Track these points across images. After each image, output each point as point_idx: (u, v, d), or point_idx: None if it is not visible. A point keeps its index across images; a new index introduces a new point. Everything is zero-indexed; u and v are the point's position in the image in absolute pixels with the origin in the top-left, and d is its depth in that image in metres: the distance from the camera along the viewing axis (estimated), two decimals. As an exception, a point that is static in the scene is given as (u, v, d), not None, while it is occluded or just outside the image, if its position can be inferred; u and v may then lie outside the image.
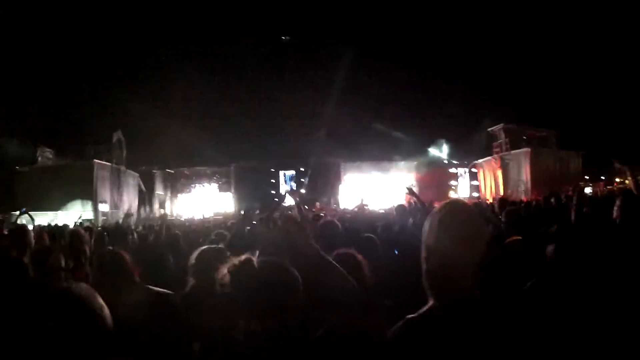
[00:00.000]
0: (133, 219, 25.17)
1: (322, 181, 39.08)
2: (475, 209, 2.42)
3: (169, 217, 30.48)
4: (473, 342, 2.06)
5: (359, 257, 3.88)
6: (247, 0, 36.57)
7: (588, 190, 19.03)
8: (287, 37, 37.98)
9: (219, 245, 5.22)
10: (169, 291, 3.47)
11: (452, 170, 43.79)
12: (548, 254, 3.98)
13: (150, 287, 3.42)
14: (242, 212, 9.31)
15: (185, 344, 3.29)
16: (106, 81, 30.97)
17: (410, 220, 8.37)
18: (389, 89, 37.28)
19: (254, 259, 2.74)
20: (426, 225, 2.25)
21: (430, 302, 2.22)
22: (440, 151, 42.88)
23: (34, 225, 10.88)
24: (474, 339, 2.06)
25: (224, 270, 2.75)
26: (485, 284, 2.20)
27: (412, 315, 2.25)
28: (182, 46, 34.95)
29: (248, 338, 2.58)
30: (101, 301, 2.02)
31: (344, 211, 17.56)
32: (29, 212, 13.20)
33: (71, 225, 14.72)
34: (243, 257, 2.76)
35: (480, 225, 2.28)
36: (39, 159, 27.84)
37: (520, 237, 5.27)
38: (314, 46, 36.55)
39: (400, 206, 10.88)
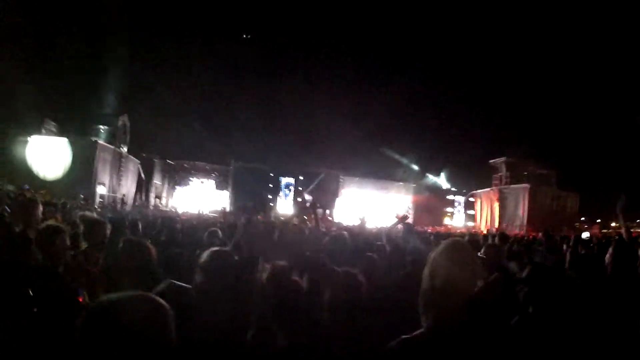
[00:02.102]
0: (128, 207, 25.23)
1: (320, 193, 39.15)
2: (471, 248, 2.64)
3: (164, 209, 30.58)
4: None
5: (361, 278, 3.97)
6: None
7: (585, 235, 19.10)
8: (248, 36, 37.81)
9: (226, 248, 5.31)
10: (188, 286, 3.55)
11: (450, 197, 43.98)
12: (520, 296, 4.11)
13: (174, 281, 3.49)
14: (243, 218, 9.29)
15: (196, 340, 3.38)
16: (118, 64, 30.94)
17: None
18: (397, 112, 37.36)
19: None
20: (431, 257, 2.49)
21: (424, 326, 2.43)
22: (440, 177, 43.06)
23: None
24: None
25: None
26: (473, 315, 2.38)
27: (407, 335, 2.45)
28: (197, 44, 34.97)
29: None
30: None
31: (339, 225, 17.58)
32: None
33: (69, 204, 14.65)
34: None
35: (476, 263, 2.52)
36: (43, 131, 27.74)
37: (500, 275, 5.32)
38: (326, 62, 36.64)
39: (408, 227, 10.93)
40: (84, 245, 5.29)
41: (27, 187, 14.98)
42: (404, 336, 2.45)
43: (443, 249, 2.48)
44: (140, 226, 8.52)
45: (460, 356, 2.29)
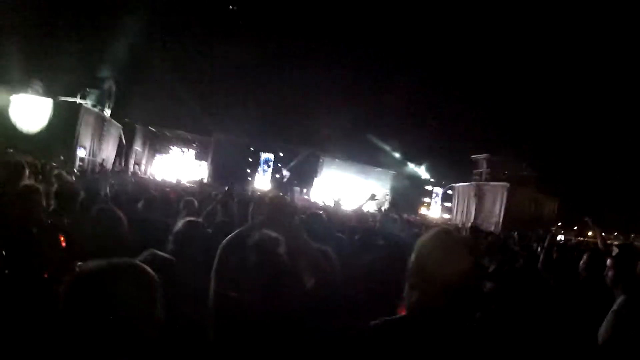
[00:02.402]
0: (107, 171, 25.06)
1: (299, 171, 39.18)
2: (460, 238, 2.67)
3: (143, 176, 30.48)
4: (436, 352, 2.35)
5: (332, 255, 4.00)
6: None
7: (561, 237, 19.31)
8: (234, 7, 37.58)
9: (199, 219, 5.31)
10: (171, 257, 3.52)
11: (428, 187, 44.19)
12: (486, 289, 4.16)
13: (157, 251, 3.46)
14: (227, 189, 9.29)
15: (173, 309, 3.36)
16: (107, 28, 30.67)
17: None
18: (382, 99, 37.35)
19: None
20: (419, 243, 2.56)
21: (407, 309, 2.51)
22: (420, 167, 43.21)
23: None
24: (437, 349, 2.35)
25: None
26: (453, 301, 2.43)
27: (388, 318, 2.54)
28: (186, 13, 34.74)
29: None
30: None
31: (315, 205, 17.64)
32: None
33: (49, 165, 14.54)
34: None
35: (465, 252, 2.56)
36: (29, 90, 27.52)
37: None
38: (314, 44, 36.49)
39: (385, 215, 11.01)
40: (53, 203, 5.26)
41: (11, 150, 14.82)
42: (386, 318, 2.53)
43: (432, 236, 2.55)
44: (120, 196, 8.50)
45: (438, 341, 2.35)
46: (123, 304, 1.69)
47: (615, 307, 4.12)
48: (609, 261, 4.47)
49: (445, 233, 2.59)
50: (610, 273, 4.36)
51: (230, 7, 37.03)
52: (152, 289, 1.84)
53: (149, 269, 1.89)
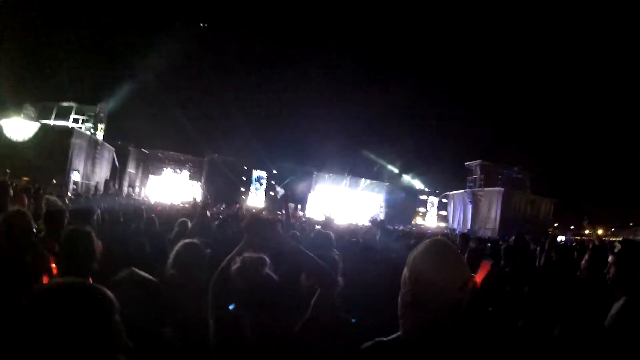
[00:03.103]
0: (100, 195, 25.01)
1: (293, 187, 39.15)
2: (455, 248, 2.51)
3: (137, 198, 30.41)
4: None
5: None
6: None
7: (561, 238, 19.31)
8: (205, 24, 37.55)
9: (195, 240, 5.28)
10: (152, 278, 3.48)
11: (423, 197, 44.19)
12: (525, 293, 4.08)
13: (137, 270, 3.42)
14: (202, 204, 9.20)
15: (158, 328, 3.32)
16: (97, 51, 30.77)
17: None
18: (373, 112, 37.47)
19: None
20: (411, 258, 2.32)
21: (401, 330, 2.30)
22: (414, 177, 43.25)
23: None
24: None
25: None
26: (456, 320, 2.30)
27: (383, 338, 2.34)
28: (176, 33, 34.81)
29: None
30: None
31: (310, 221, 17.63)
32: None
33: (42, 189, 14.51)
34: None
35: (461, 263, 2.35)
36: (22, 115, 27.49)
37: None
38: (306, 60, 36.63)
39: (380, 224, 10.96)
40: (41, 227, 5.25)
41: (7, 171, 14.89)
42: (378, 338, 2.35)
43: (425, 249, 2.31)
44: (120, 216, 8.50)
45: None
46: (70, 322, 1.73)
47: (614, 310, 3.95)
48: (610, 258, 4.26)
49: (439, 243, 2.38)
50: (612, 270, 4.13)
51: (224, 24, 36.99)
52: (103, 310, 1.84)
53: (102, 290, 1.90)
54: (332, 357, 2.94)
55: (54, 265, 4.27)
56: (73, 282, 1.88)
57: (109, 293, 1.90)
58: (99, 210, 9.26)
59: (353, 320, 3.96)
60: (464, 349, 2.25)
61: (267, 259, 3.09)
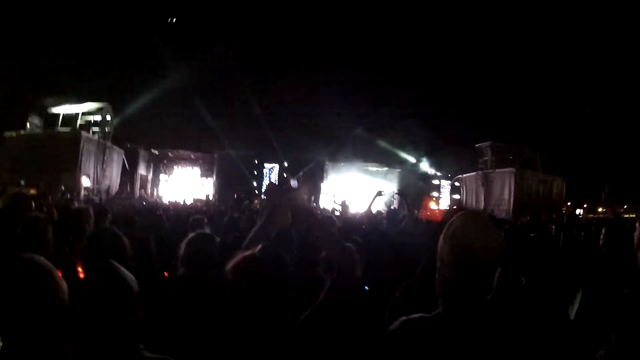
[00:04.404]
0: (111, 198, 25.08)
1: (305, 179, 39.08)
2: (489, 219, 2.48)
3: (149, 199, 30.49)
4: (472, 352, 2.11)
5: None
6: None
7: (579, 211, 19.22)
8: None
9: (207, 232, 5.23)
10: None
11: (435, 181, 44.07)
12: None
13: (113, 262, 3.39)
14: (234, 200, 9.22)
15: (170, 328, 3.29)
16: (102, 54, 30.78)
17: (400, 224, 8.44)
18: (381, 97, 37.42)
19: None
20: (449, 233, 2.29)
21: (440, 309, 2.27)
22: (425, 162, 43.10)
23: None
24: (474, 349, 2.11)
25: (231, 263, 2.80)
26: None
27: (426, 314, 2.29)
28: (182, 33, 34.82)
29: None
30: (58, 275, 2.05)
31: (325, 212, 17.58)
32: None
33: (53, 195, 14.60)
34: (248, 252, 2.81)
35: (497, 233, 2.32)
36: (28, 125, 27.59)
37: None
38: (312, 47, 36.50)
39: (393, 211, 10.92)
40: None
41: (22, 183, 15.06)
42: (415, 315, 2.28)
43: (463, 220, 2.30)
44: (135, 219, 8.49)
45: (478, 341, 2.12)
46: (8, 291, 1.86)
47: None
48: (638, 224, 4.20)
49: (474, 212, 2.53)
50: (637, 233, 4.01)
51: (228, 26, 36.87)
52: (43, 281, 1.94)
53: (46, 264, 2.00)
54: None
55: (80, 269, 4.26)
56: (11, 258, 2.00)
57: (48, 265, 2.01)
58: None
59: (366, 288, 3.96)
60: (503, 322, 2.24)
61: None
